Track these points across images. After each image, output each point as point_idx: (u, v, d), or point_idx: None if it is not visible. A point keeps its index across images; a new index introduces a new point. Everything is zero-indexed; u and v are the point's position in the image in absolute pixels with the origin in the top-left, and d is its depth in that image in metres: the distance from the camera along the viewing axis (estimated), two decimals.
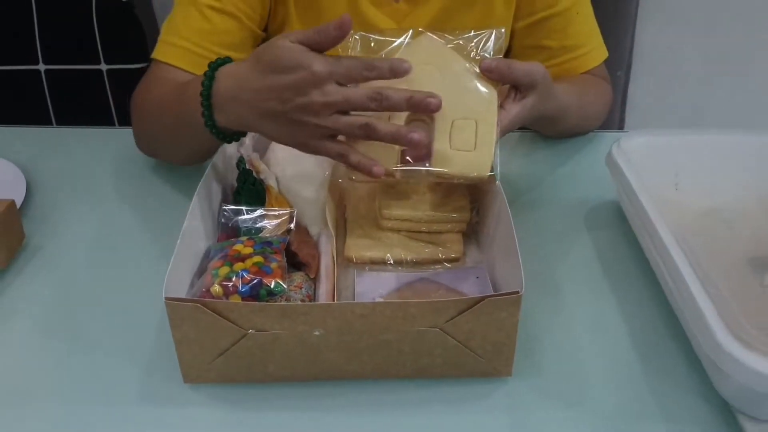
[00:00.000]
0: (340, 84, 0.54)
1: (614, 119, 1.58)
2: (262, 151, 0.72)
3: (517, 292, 0.48)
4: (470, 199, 0.65)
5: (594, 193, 0.73)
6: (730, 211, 0.64)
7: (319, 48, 0.55)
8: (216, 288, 0.52)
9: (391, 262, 0.62)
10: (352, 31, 0.60)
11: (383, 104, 0.54)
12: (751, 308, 0.46)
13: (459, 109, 0.59)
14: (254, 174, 0.68)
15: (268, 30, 0.83)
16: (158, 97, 0.72)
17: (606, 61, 0.85)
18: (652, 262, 0.56)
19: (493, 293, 0.48)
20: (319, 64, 0.53)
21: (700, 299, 0.47)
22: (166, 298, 0.47)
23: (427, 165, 0.58)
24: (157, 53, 0.77)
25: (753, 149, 0.68)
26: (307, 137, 0.57)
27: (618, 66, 1.52)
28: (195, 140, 0.66)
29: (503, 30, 0.62)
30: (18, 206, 0.69)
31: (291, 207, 0.65)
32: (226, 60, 0.61)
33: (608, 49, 0.85)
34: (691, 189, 0.65)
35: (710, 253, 0.52)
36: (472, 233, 0.65)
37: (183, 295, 0.53)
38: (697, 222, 0.63)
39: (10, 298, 0.62)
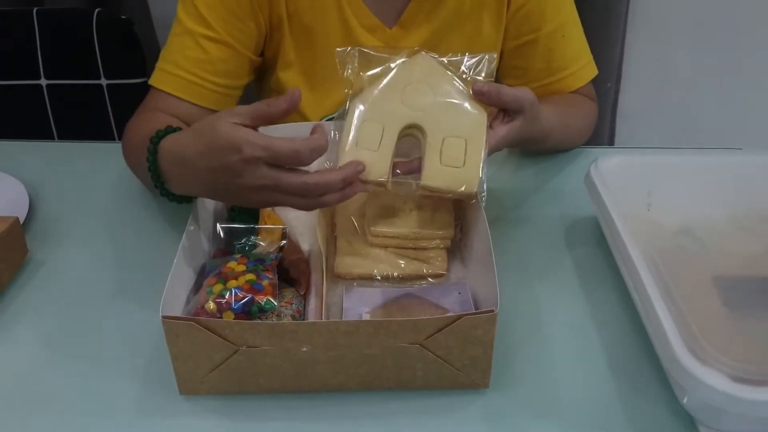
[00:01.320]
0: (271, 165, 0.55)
1: (604, 130, 1.61)
2: None
3: (493, 311, 0.51)
4: (455, 216, 0.69)
5: (575, 209, 0.76)
6: (702, 229, 0.67)
7: (269, 121, 0.57)
8: (210, 305, 0.55)
9: (378, 278, 0.65)
10: (350, 48, 0.64)
11: (314, 194, 0.57)
12: (710, 326, 0.49)
13: (450, 127, 0.62)
14: None
15: (264, 55, 0.85)
16: (139, 140, 0.69)
17: (596, 76, 0.88)
18: (624, 279, 0.59)
19: (470, 311, 0.51)
20: (249, 148, 0.54)
21: (663, 317, 0.50)
22: (163, 317, 0.50)
23: (417, 179, 0.61)
24: (155, 81, 0.79)
25: (726, 169, 0.71)
26: (257, 203, 0.60)
27: (608, 77, 1.54)
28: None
29: (495, 55, 0.66)
30: (21, 221, 0.72)
31: (283, 224, 0.68)
32: (168, 130, 0.62)
33: (598, 61, 0.87)
34: (665, 208, 0.68)
35: (678, 272, 0.55)
36: (456, 249, 0.68)
37: (180, 311, 0.56)
38: (669, 241, 0.66)
39: (12, 313, 0.64)
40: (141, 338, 0.60)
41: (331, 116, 0.86)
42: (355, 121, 0.62)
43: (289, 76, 0.85)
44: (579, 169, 0.84)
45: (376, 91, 0.64)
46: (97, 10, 1.07)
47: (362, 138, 0.62)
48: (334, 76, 0.84)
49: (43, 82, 1.11)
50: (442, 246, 0.67)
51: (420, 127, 0.63)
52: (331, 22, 0.82)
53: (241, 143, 0.54)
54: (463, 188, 0.61)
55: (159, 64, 0.79)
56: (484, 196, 0.62)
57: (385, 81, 0.64)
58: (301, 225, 0.68)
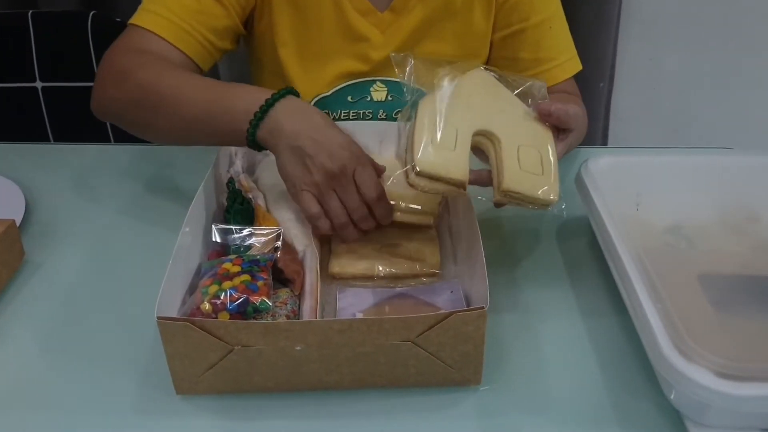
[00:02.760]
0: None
1: (598, 129, 1.62)
2: (251, 171, 0.76)
3: (483, 308, 0.52)
4: (443, 202, 0.69)
5: (567, 209, 0.77)
6: (690, 228, 0.68)
7: None
8: (206, 305, 0.56)
9: (373, 277, 0.66)
10: (411, 58, 0.65)
11: (375, 200, 0.63)
12: (696, 324, 0.50)
13: (521, 137, 0.62)
14: (243, 194, 0.72)
15: (255, 30, 0.86)
16: (162, 78, 0.70)
17: (588, 73, 0.89)
18: (614, 278, 0.60)
19: (460, 309, 0.52)
20: (363, 166, 0.62)
21: (650, 315, 0.51)
22: (159, 318, 0.51)
23: (500, 183, 0.59)
24: (139, 19, 0.76)
25: (713, 169, 0.72)
26: (306, 186, 0.63)
27: (601, 77, 1.55)
28: (209, 137, 0.69)
29: (545, 83, 0.67)
30: (17, 224, 0.73)
31: (278, 225, 0.68)
32: (295, 92, 0.65)
33: (590, 61, 0.90)
34: (654, 207, 0.69)
35: (666, 270, 0.56)
36: (448, 248, 0.69)
37: (175, 311, 0.57)
38: (658, 239, 0.67)
39: (9, 315, 0.65)
40: (137, 339, 0.61)
41: (324, 95, 0.88)
42: (426, 121, 0.61)
43: (285, 54, 0.86)
44: (571, 170, 0.85)
45: (444, 97, 0.63)
46: (92, 13, 1.07)
47: (437, 138, 0.60)
48: (326, 57, 0.85)
49: (39, 84, 1.11)
50: (424, 222, 0.67)
51: (493, 134, 0.62)
52: (325, 2, 0.83)
53: (363, 160, 0.63)
54: (545, 195, 0.59)
55: (143, 5, 0.77)
56: (564, 208, 0.61)
57: (450, 89, 0.63)
58: (295, 226, 0.68)
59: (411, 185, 0.59)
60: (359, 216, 0.63)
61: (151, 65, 0.72)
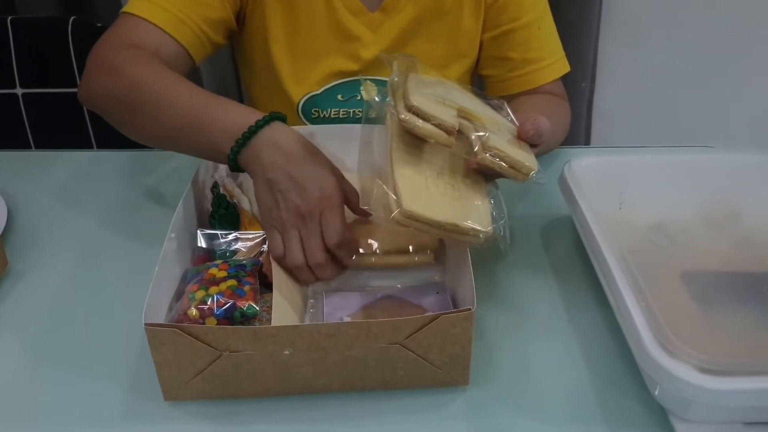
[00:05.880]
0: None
1: (580, 129, 1.63)
2: (235, 176, 0.76)
3: (470, 309, 0.52)
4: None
5: (551, 209, 0.78)
6: (672, 226, 0.69)
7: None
8: (193, 311, 0.56)
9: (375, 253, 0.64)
10: (411, 74, 0.64)
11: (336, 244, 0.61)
12: (679, 321, 0.51)
13: (498, 125, 0.63)
14: (228, 198, 0.72)
15: (247, 26, 0.86)
16: (150, 80, 0.69)
17: (571, 73, 0.90)
18: (598, 276, 0.61)
19: (447, 310, 0.52)
20: (331, 210, 0.60)
21: (634, 312, 0.52)
22: (146, 324, 0.51)
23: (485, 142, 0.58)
24: (132, 7, 0.74)
25: (694, 167, 0.73)
26: (273, 220, 0.62)
27: (583, 77, 1.57)
28: (189, 149, 0.68)
29: (504, 102, 0.68)
30: (0, 232, 0.72)
31: (263, 230, 0.68)
32: (281, 117, 0.64)
33: (572, 61, 0.90)
34: (637, 206, 0.69)
35: (649, 268, 0.56)
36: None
37: (162, 318, 0.57)
38: (641, 238, 0.68)
39: None
40: (124, 346, 0.60)
41: (315, 93, 0.88)
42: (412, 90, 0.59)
43: (277, 51, 0.86)
44: (555, 170, 0.86)
45: (419, 91, 0.61)
46: (72, 18, 1.07)
47: (427, 97, 0.59)
48: (317, 55, 0.85)
49: (19, 91, 1.10)
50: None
51: (473, 113, 0.62)
52: (316, 1, 0.83)
53: (337, 198, 0.61)
54: (530, 163, 0.59)
55: None
56: (543, 180, 0.60)
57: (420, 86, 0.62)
58: None
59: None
60: (314, 263, 0.61)
61: (141, 63, 0.71)
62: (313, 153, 0.63)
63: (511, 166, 0.59)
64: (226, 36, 0.84)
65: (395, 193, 0.55)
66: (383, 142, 0.61)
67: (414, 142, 0.60)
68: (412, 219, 0.55)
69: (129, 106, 0.69)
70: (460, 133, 0.60)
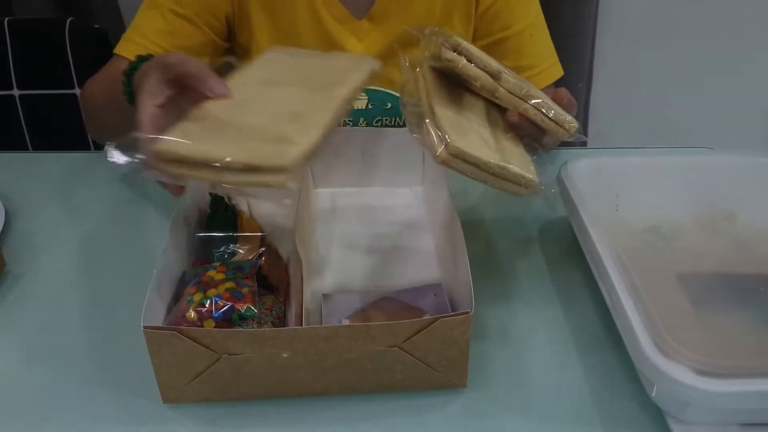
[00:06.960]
0: None
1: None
2: None
3: (468, 312, 0.52)
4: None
5: (548, 210, 0.78)
6: (669, 228, 0.69)
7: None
8: (191, 314, 0.56)
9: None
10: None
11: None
12: (675, 322, 0.51)
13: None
14: (226, 200, 0.72)
15: (236, 40, 0.87)
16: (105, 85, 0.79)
17: (567, 74, 0.90)
18: (595, 278, 0.61)
19: (446, 313, 0.53)
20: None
21: (631, 314, 0.52)
22: (145, 327, 0.51)
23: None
24: (118, 48, 0.82)
25: (691, 169, 0.73)
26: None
27: (579, 78, 1.57)
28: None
29: None
30: None
31: (262, 231, 0.68)
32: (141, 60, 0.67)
33: (568, 62, 0.90)
34: (633, 208, 0.70)
35: (645, 269, 0.57)
36: (432, 254, 0.70)
37: (160, 320, 0.57)
38: (637, 239, 0.68)
39: None
40: (122, 348, 0.60)
41: None
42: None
43: None
44: (552, 171, 0.86)
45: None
46: (69, 20, 1.07)
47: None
48: None
49: (16, 92, 1.10)
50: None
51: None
52: (302, 10, 0.84)
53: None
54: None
55: (125, 35, 0.83)
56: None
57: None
58: (279, 232, 0.69)
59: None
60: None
61: (104, 82, 0.80)
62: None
63: (554, 121, 0.56)
64: (217, 54, 0.87)
65: (441, 130, 0.53)
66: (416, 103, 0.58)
67: (452, 97, 0.57)
68: (459, 158, 0.52)
69: (100, 115, 0.81)
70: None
